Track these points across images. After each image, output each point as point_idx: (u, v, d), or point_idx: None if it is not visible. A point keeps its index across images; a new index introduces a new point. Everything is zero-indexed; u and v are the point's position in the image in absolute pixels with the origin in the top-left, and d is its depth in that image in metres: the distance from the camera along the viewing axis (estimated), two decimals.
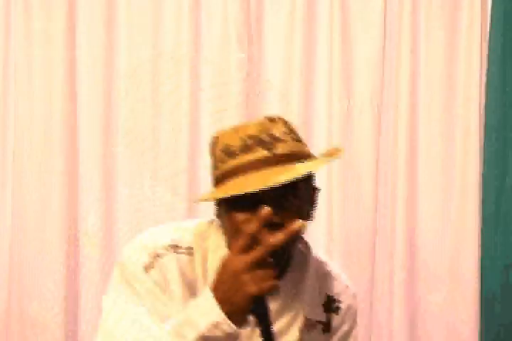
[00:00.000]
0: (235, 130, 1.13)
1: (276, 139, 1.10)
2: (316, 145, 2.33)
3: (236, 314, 0.99)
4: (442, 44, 2.37)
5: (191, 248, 1.17)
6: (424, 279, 2.35)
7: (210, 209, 1.20)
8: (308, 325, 1.21)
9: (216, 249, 1.17)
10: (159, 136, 2.32)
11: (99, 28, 2.32)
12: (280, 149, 1.09)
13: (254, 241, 0.98)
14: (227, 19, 2.32)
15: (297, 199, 1.09)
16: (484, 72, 2.36)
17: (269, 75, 2.35)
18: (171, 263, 1.14)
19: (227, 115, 2.30)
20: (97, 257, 2.29)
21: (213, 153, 1.15)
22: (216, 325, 0.99)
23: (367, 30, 2.35)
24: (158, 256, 1.15)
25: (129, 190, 2.31)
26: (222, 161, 1.12)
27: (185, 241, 1.18)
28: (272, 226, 1.01)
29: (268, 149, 1.09)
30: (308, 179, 1.14)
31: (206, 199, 1.14)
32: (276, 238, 0.97)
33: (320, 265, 1.27)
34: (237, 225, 1.08)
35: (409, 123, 2.35)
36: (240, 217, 1.08)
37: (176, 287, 1.13)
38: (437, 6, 2.37)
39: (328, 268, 1.28)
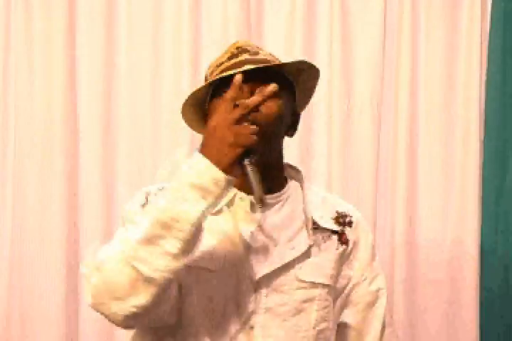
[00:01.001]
0: (225, 50, 1.27)
1: (260, 52, 1.25)
2: (316, 145, 2.33)
3: (222, 164, 1.02)
4: (442, 44, 2.37)
5: None
6: (423, 279, 2.35)
7: None
8: (322, 234, 1.25)
9: None
10: (159, 136, 2.32)
11: (99, 27, 2.32)
12: (261, 56, 1.24)
13: (234, 106, 1.05)
14: (227, 19, 2.32)
15: (273, 96, 1.13)
16: (484, 72, 2.35)
17: None
18: None
19: None
20: None
21: (206, 76, 1.27)
22: (203, 172, 1.02)
23: (367, 30, 2.35)
24: (152, 194, 1.22)
25: (129, 190, 2.31)
26: (212, 73, 1.23)
27: None
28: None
29: (251, 55, 1.23)
30: (286, 84, 1.25)
31: (189, 98, 1.21)
32: (253, 99, 1.06)
33: (319, 190, 1.33)
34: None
35: (409, 123, 2.35)
36: (216, 101, 1.18)
37: None
38: (437, 5, 2.37)
39: (327, 194, 1.35)
